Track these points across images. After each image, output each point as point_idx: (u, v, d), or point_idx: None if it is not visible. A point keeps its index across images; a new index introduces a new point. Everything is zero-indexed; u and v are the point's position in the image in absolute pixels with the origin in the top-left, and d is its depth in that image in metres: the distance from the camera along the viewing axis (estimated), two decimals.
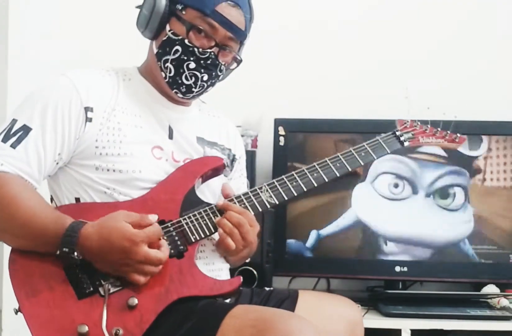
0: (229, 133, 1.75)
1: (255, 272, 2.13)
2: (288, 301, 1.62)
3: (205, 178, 1.60)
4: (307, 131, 2.32)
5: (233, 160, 1.74)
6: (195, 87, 1.57)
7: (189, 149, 1.61)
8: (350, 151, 1.65)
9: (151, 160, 1.54)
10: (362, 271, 2.28)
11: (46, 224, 1.41)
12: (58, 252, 1.39)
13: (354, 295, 1.94)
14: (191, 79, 1.55)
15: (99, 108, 1.51)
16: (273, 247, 2.18)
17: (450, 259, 2.25)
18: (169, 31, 1.54)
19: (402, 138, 1.72)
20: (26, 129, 1.46)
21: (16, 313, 1.42)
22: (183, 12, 1.53)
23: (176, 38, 1.54)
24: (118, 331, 1.38)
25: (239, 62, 1.60)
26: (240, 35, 1.56)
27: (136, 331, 1.38)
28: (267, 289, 1.72)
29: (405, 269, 2.24)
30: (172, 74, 1.55)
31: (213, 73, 1.57)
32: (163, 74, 1.56)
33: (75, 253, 1.39)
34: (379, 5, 2.55)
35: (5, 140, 1.45)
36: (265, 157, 2.34)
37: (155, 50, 1.57)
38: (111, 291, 1.42)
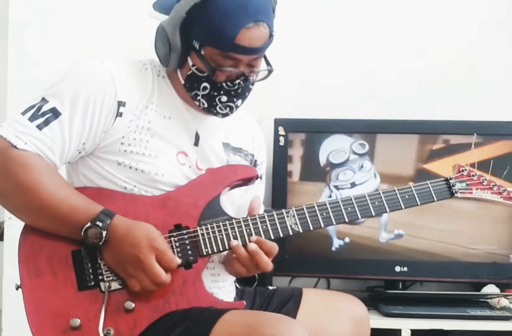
0: (254, 137, 1.72)
1: None
2: (291, 301, 1.61)
3: (233, 186, 1.56)
4: (307, 131, 2.32)
5: (254, 165, 1.71)
6: (232, 113, 1.55)
7: (213, 159, 1.57)
8: (394, 190, 1.54)
9: (175, 165, 1.51)
10: (362, 271, 2.27)
11: (75, 207, 1.40)
12: (88, 224, 1.37)
13: (354, 295, 1.94)
14: (226, 109, 1.53)
15: (131, 105, 1.48)
16: None
17: (450, 259, 2.25)
18: (193, 66, 1.49)
19: (454, 189, 1.58)
20: (55, 113, 1.43)
21: (17, 289, 1.42)
22: (202, 51, 1.47)
23: (201, 75, 1.49)
24: (109, 331, 1.37)
25: (270, 71, 1.54)
26: (264, 49, 1.50)
27: (126, 335, 1.38)
28: (270, 288, 1.70)
29: (405, 269, 2.24)
30: (206, 106, 1.52)
31: (246, 94, 1.54)
32: (197, 103, 1.53)
33: (105, 232, 1.37)
34: (380, 5, 2.55)
35: (32, 119, 1.42)
36: None
37: (182, 81, 1.53)
38: (112, 288, 1.41)
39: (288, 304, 1.61)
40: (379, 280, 2.32)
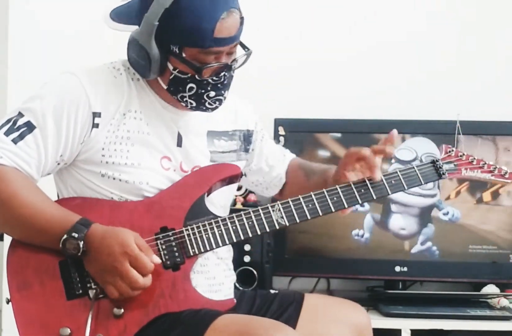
0: (237, 112, 1.68)
1: (255, 272, 2.13)
2: (292, 306, 1.58)
3: (218, 186, 1.55)
4: (307, 131, 2.32)
5: (249, 136, 1.69)
6: (220, 105, 1.52)
7: (197, 157, 1.56)
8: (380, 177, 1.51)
9: (159, 171, 1.50)
10: (362, 271, 2.27)
11: (52, 218, 1.39)
12: (65, 236, 1.36)
13: (354, 295, 1.94)
14: (216, 103, 1.51)
15: (107, 115, 1.47)
16: (273, 247, 2.18)
17: (450, 259, 2.25)
18: (174, 69, 1.46)
19: (441, 170, 1.54)
20: (30, 127, 1.43)
21: (7, 302, 1.42)
22: (183, 54, 1.44)
23: (184, 76, 1.46)
24: None
25: (249, 54, 1.51)
26: (240, 34, 1.48)
27: None
28: (272, 291, 1.67)
29: (405, 269, 2.24)
30: (194, 105, 1.50)
31: (230, 83, 1.51)
32: (183, 104, 1.51)
33: (81, 242, 1.36)
34: (379, 5, 2.55)
35: (7, 133, 1.42)
36: None
37: (164, 86, 1.50)
38: (100, 296, 1.40)
39: (289, 309, 1.58)
40: (379, 280, 2.32)
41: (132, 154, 1.48)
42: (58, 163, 1.48)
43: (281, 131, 2.29)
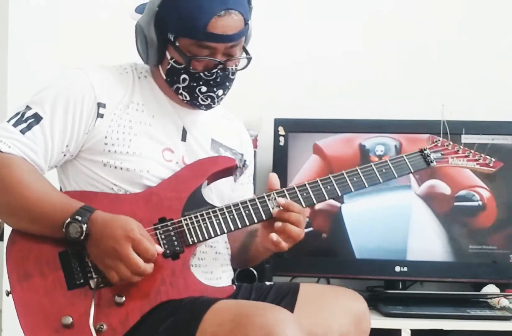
0: (241, 138, 1.75)
1: (255, 272, 2.13)
2: (289, 296, 1.60)
3: (214, 178, 1.58)
4: (307, 131, 2.32)
5: (243, 165, 1.73)
6: (214, 103, 1.57)
7: (201, 153, 1.60)
8: (371, 166, 1.56)
9: (161, 162, 1.53)
10: (362, 271, 2.27)
11: (56, 204, 1.42)
12: (68, 220, 1.38)
13: None
14: (208, 99, 1.55)
15: (111, 105, 1.52)
16: None
17: (450, 259, 2.25)
18: (171, 59, 1.53)
19: (429, 159, 1.61)
20: (37, 118, 1.48)
21: (7, 295, 1.43)
22: (177, 43, 1.50)
23: (179, 66, 1.52)
24: (101, 326, 1.39)
25: (249, 60, 1.56)
26: (240, 37, 1.52)
27: (119, 329, 1.39)
28: (268, 283, 1.70)
29: (405, 269, 2.24)
30: (188, 98, 1.55)
31: (227, 83, 1.55)
32: (180, 97, 1.56)
33: (85, 226, 1.38)
34: (380, 4, 2.55)
35: (15, 124, 1.47)
36: (265, 157, 2.34)
37: (163, 76, 1.56)
38: (101, 285, 1.42)
39: (285, 299, 1.59)
40: (379, 280, 2.32)
41: (134, 144, 1.51)
42: (64, 155, 1.52)
43: (281, 131, 2.29)
